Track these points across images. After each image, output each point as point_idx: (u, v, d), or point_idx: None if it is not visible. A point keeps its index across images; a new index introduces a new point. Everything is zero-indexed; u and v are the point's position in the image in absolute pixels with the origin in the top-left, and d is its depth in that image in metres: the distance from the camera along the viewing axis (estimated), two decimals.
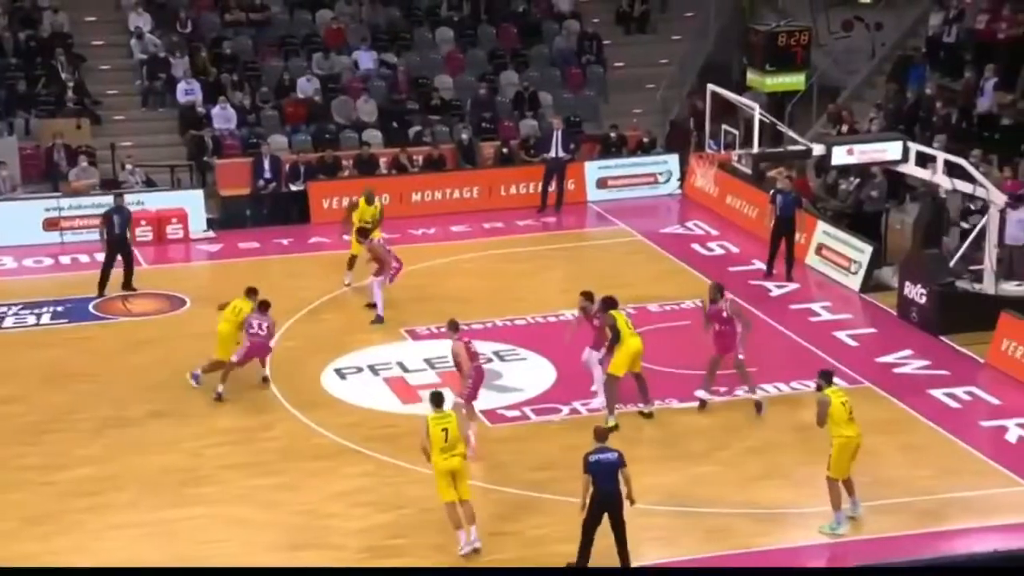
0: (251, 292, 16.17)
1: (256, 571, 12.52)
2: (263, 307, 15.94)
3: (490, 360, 16.88)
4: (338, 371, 16.67)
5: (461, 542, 12.49)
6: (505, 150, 24.20)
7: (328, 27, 26.49)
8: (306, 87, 25.12)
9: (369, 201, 19.06)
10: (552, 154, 23.38)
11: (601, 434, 12.22)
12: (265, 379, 16.21)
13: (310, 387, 16.26)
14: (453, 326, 14.60)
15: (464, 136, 24.33)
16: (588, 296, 15.56)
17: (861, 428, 13.03)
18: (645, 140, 24.77)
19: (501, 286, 19.65)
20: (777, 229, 19.59)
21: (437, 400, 12.73)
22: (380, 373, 16.67)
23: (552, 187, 22.88)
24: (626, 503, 12.07)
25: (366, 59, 26.01)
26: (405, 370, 16.69)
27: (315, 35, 26.53)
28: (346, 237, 19.25)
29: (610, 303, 15.11)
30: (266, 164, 22.99)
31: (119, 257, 19.12)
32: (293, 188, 23.08)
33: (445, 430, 12.48)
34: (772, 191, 19.81)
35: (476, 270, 20.17)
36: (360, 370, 16.78)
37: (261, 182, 23.00)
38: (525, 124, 25.40)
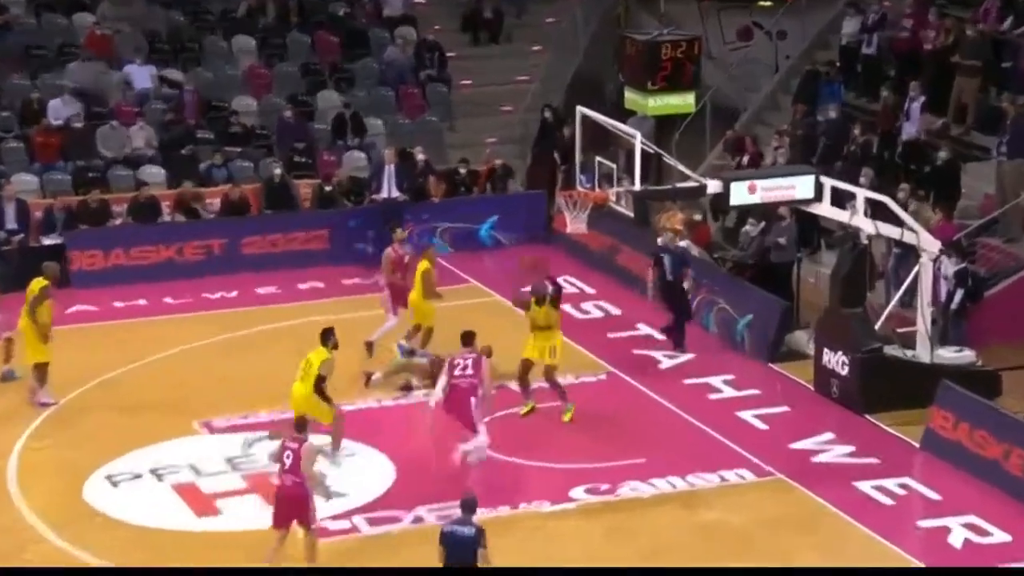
0: (326, 335, 16.44)
1: (253, 571, 13.56)
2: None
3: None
4: (109, 478, 16.43)
5: None
6: (327, 188, 24.23)
7: (90, 33, 26.28)
8: (61, 111, 24.85)
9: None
10: (384, 194, 23.57)
11: (468, 505, 13.19)
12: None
13: (70, 500, 15.99)
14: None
15: (276, 171, 24.29)
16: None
17: (770, 527, 13.32)
18: (497, 170, 24.91)
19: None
20: (668, 294, 19.92)
21: None
22: (166, 478, 16.49)
23: None
24: None
25: (142, 75, 25.89)
26: (199, 473, 16.55)
27: (72, 44, 26.31)
28: None
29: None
30: (9, 211, 22.67)
31: None
32: (46, 242, 22.77)
33: None
34: (654, 252, 20.22)
35: (289, 340, 20.07)
36: (139, 476, 16.56)
37: (3, 234, 22.64)
38: (350, 156, 25.57)
